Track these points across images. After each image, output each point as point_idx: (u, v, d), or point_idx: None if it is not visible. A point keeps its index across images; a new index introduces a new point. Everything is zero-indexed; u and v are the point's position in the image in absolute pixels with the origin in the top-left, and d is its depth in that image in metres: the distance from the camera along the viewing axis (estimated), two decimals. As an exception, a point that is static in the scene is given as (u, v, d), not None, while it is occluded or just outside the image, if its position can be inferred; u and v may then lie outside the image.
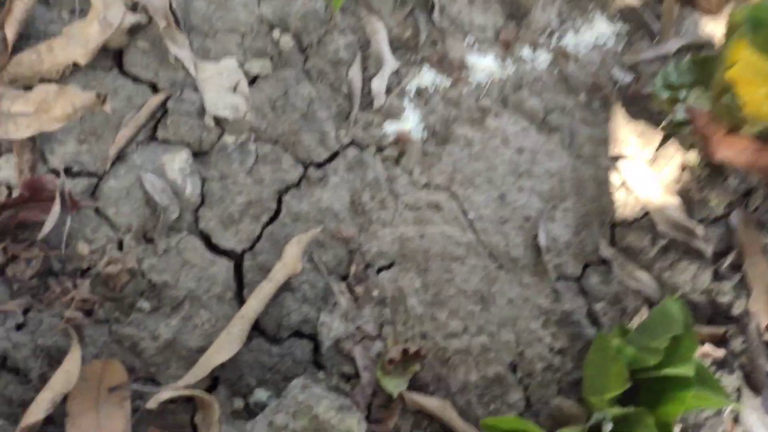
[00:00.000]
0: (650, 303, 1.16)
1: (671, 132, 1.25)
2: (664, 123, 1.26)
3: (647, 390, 1.00)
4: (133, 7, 1.05)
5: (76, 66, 0.99)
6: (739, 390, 1.13)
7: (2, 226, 0.89)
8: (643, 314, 1.13)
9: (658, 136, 1.27)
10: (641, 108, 1.30)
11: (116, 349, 0.91)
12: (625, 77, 1.32)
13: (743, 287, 1.19)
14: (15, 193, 0.93)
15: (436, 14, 1.24)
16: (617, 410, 0.94)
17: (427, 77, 1.21)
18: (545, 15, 1.30)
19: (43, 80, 0.98)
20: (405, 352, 1.01)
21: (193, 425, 0.90)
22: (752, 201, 1.29)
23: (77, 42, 0.96)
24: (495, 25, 1.28)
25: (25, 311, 0.88)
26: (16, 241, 0.90)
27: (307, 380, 0.93)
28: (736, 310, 1.18)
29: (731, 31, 1.07)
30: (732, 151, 1.07)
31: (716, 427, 1.08)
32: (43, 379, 0.84)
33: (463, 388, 1.03)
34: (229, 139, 1.05)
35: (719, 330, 1.17)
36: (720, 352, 1.14)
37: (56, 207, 0.91)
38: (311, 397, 0.89)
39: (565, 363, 1.08)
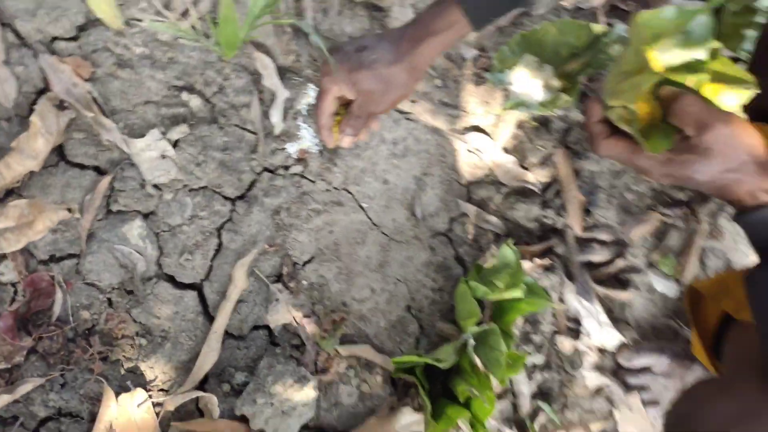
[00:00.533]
0: (498, 237, 1.58)
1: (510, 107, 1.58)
2: (504, 103, 1.58)
3: (496, 310, 1.46)
4: (61, 105, 1.21)
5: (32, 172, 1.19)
6: (561, 282, 1.62)
7: (22, 317, 1.17)
8: (494, 250, 1.56)
9: (500, 103, 1.60)
10: (485, 80, 1.60)
11: (132, 377, 1.26)
12: (471, 54, 1.58)
13: (563, 207, 1.63)
14: (20, 287, 1.19)
15: (311, 35, 1.43)
16: (476, 329, 1.40)
17: (312, 95, 1.44)
18: (403, 11, 1.51)
19: (8, 190, 1.18)
20: (333, 321, 1.41)
21: (200, 410, 1.30)
22: (570, 137, 1.68)
23: (29, 155, 1.15)
24: (363, 30, 1.49)
25: (62, 374, 1.20)
26: (36, 326, 1.18)
27: (270, 359, 1.32)
28: (559, 226, 1.63)
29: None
30: (613, 151, 1.02)
31: (547, 312, 1.59)
32: (92, 416, 1.20)
33: (378, 332, 1.46)
34: (168, 196, 1.30)
35: (547, 245, 1.63)
36: (547, 261, 1.61)
37: (58, 294, 1.18)
38: (277, 376, 1.29)
39: (444, 296, 1.52)
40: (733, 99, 0.91)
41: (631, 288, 1.65)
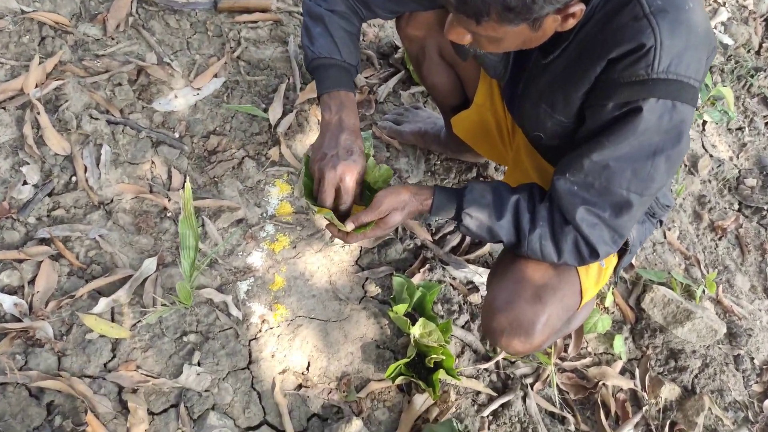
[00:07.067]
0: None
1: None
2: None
3: (417, 304, 2.20)
4: None
5: None
6: (444, 269, 2.39)
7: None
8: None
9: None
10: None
11: None
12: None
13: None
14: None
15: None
16: (415, 328, 2.11)
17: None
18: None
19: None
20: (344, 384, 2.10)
21: None
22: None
23: None
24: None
25: None
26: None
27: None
28: (419, 243, 2.42)
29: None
30: (354, 239, 1.72)
31: (449, 288, 2.34)
32: None
33: (366, 362, 2.16)
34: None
35: (422, 257, 2.41)
36: (427, 266, 2.39)
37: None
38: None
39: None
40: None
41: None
